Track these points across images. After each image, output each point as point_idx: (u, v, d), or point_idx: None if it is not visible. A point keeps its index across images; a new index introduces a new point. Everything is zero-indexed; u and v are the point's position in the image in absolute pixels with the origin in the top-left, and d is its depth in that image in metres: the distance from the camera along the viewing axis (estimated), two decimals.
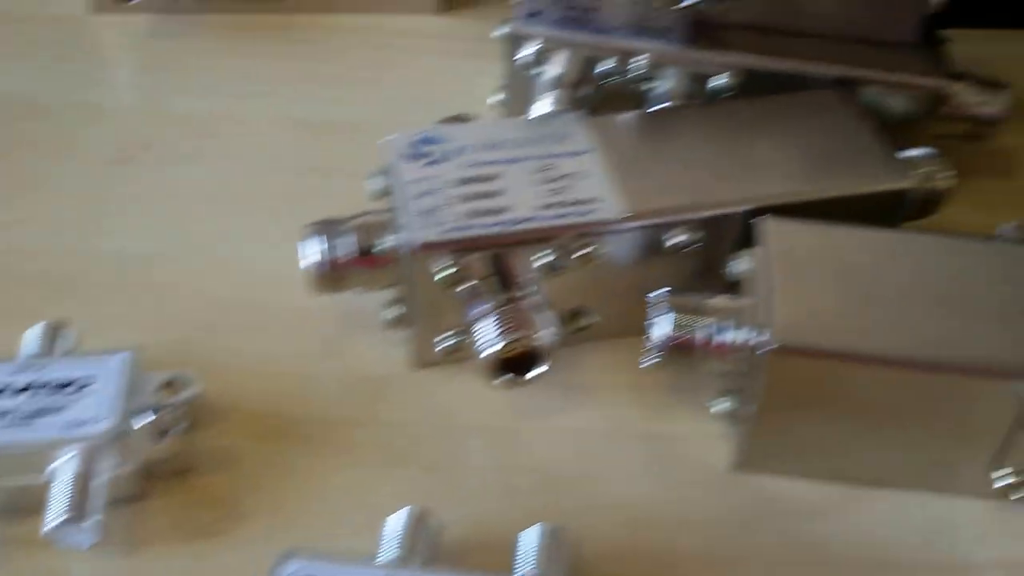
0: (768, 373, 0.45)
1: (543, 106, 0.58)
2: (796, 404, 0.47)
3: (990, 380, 0.45)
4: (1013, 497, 0.48)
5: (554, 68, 0.59)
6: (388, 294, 0.54)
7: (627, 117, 0.58)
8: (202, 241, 0.60)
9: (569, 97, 0.58)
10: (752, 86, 0.59)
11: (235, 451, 0.50)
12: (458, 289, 0.50)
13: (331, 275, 0.52)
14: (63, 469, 0.45)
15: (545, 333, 0.48)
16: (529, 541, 0.44)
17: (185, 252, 0.60)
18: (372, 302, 0.54)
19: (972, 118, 0.61)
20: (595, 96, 0.60)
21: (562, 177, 0.52)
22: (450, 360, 0.53)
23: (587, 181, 0.52)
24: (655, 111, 0.58)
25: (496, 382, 0.49)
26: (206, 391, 0.50)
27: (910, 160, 0.55)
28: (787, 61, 0.59)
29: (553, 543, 0.44)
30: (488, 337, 0.48)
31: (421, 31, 0.77)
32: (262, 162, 0.66)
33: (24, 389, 0.47)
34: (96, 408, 0.46)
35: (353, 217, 0.52)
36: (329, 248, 0.51)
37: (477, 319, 0.49)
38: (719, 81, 0.59)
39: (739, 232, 0.51)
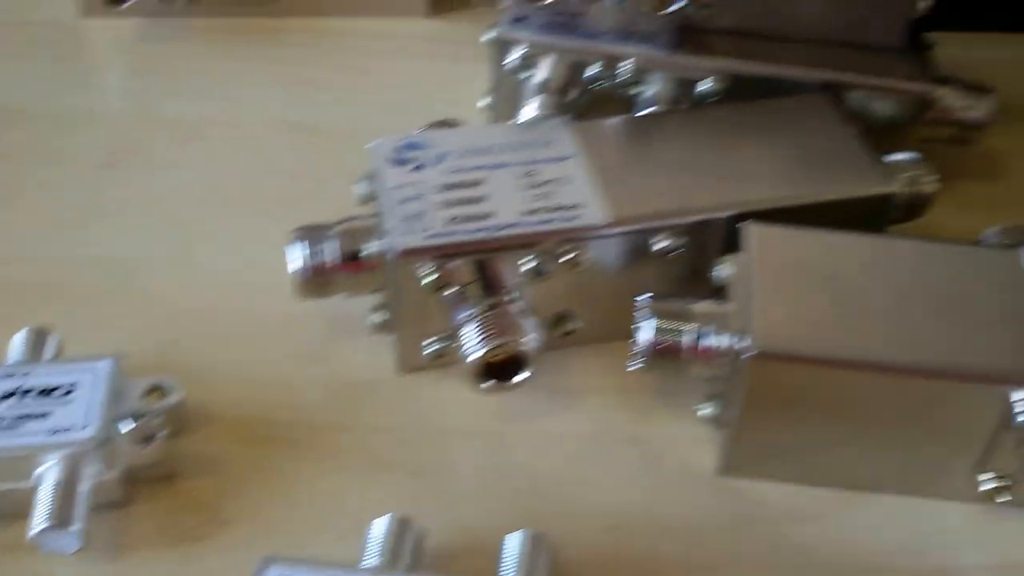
0: (749, 379, 0.45)
1: (530, 111, 0.58)
2: (778, 409, 0.47)
3: (973, 385, 0.45)
4: (999, 500, 0.48)
5: (541, 73, 0.59)
6: (374, 299, 0.54)
7: (612, 122, 0.58)
8: (188, 246, 0.60)
9: (556, 102, 0.58)
10: (738, 91, 0.59)
11: (220, 456, 0.50)
12: (443, 294, 0.50)
13: (316, 280, 0.52)
14: (47, 475, 0.45)
15: (529, 338, 0.48)
16: (512, 548, 0.44)
17: (171, 257, 0.60)
18: (358, 307, 0.54)
19: (957, 122, 0.61)
20: (583, 101, 0.60)
21: (546, 183, 0.52)
22: (436, 365, 0.53)
23: (571, 186, 0.52)
24: (640, 116, 0.58)
25: (481, 387, 0.49)
26: (191, 396, 0.50)
27: (895, 164, 0.55)
28: (772, 66, 0.59)
29: (535, 549, 0.44)
30: (472, 343, 0.48)
31: (411, 34, 0.77)
32: (250, 166, 0.66)
33: (9, 395, 0.47)
34: (80, 414, 0.46)
35: (338, 222, 0.52)
36: (314, 253, 0.52)
37: (462, 324, 0.49)
38: (705, 86, 0.59)
39: (724, 237, 0.52)
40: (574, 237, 0.51)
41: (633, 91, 0.60)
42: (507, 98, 0.62)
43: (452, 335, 0.50)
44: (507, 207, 0.51)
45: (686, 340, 0.49)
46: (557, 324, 0.53)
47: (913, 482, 0.49)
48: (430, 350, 0.52)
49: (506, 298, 0.49)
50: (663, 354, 0.49)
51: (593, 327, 0.54)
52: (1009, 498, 0.47)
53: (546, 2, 0.57)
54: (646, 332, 0.49)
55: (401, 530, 0.44)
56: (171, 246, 0.60)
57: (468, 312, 0.49)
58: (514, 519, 0.46)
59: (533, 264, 0.50)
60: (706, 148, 0.56)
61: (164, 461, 0.48)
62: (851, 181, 0.54)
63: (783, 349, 0.45)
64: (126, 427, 0.47)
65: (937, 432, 0.47)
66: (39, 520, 0.44)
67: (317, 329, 0.56)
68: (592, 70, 0.60)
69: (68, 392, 0.47)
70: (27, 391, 0.47)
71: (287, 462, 0.50)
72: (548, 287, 0.51)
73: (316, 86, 0.72)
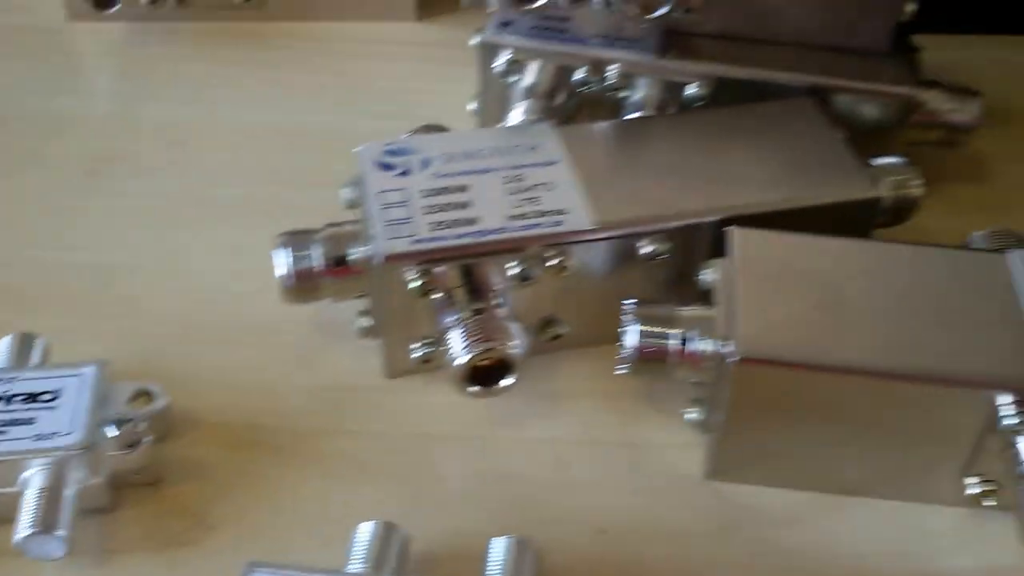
0: (733, 383, 0.45)
1: (517, 115, 0.58)
2: (764, 414, 0.47)
3: (958, 389, 0.45)
4: (985, 504, 0.48)
5: (528, 77, 0.59)
6: (360, 303, 0.54)
7: (599, 127, 0.58)
8: (175, 250, 0.60)
9: (543, 106, 0.58)
10: (724, 95, 0.59)
11: (206, 462, 0.50)
12: (429, 299, 0.50)
13: (302, 285, 0.52)
14: (33, 480, 0.45)
15: (515, 343, 0.48)
16: (497, 552, 0.44)
17: (157, 262, 0.60)
18: (344, 312, 0.54)
19: (944, 125, 0.61)
20: (570, 105, 0.60)
21: (532, 187, 0.52)
22: (423, 370, 0.53)
23: (557, 191, 0.52)
24: (626, 120, 0.58)
25: (467, 392, 0.49)
26: (177, 401, 0.50)
27: (881, 168, 0.55)
28: (759, 70, 0.59)
29: (520, 554, 0.44)
30: (458, 347, 0.48)
31: (399, 38, 0.77)
32: (236, 171, 0.66)
33: None
34: (65, 420, 0.46)
35: (324, 227, 0.53)
36: (299, 259, 0.52)
37: (448, 329, 0.49)
38: (692, 90, 0.59)
39: (711, 241, 0.52)
40: (560, 242, 0.51)
41: (620, 95, 0.60)
42: (494, 102, 0.62)
43: (438, 340, 0.50)
44: (493, 212, 0.51)
45: (672, 345, 0.49)
46: (544, 328, 0.53)
47: (899, 486, 0.49)
48: (416, 355, 0.52)
49: (492, 303, 0.49)
50: (649, 359, 0.49)
51: (580, 331, 0.54)
52: (995, 502, 0.47)
53: (533, 6, 0.57)
54: (632, 337, 0.49)
55: (386, 535, 0.44)
56: (157, 251, 0.60)
57: (454, 317, 0.49)
58: (500, 524, 0.46)
59: (519, 269, 0.50)
60: (693, 152, 0.56)
61: (149, 466, 0.48)
62: (837, 185, 0.54)
63: (767, 354, 0.45)
64: (111, 433, 0.47)
65: (923, 436, 0.47)
66: (24, 525, 0.44)
67: (303, 334, 0.56)
68: (579, 74, 0.60)
69: (53, 398, 0.47)
70: (12, 397, 0.47)
71: (273, 467, 0.50)
72: (535, 291, 0.51)
73: (303, 90, 0.72)
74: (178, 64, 0.74)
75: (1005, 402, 0.44)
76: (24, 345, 0.51)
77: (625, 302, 0.50)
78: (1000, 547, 0.48)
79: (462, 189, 0.52)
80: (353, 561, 0.43)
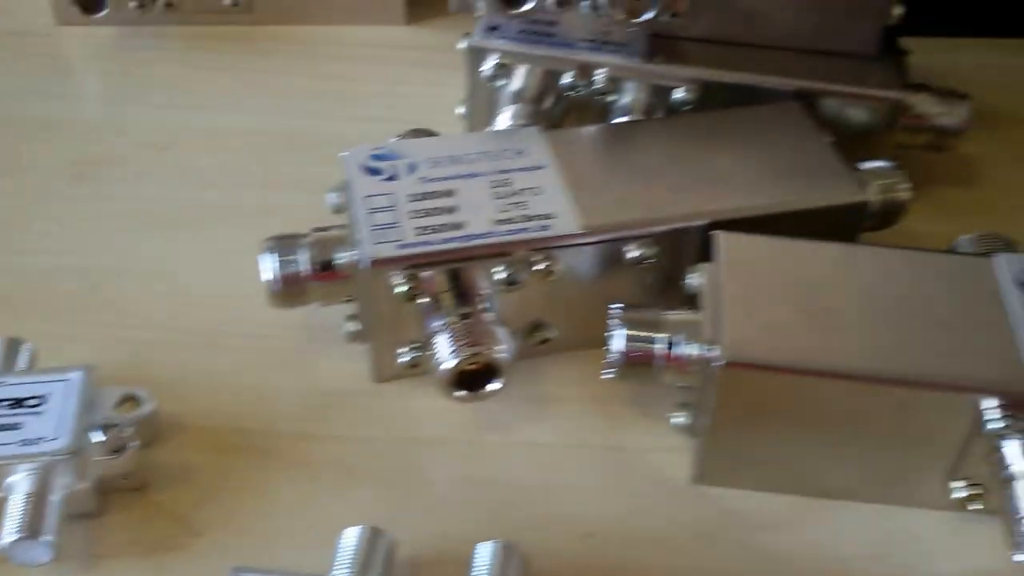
0: (719, 388, 0.45)
1: (504, 119, 0.58)
2: (750, 418, 0.47)
3: (944, 393, 0.45)
4: (970, 508, 0.48)
5: (515, 81, 0.59)
6: (348, 307, 0.54)
7: (585, 131, 0.58)
8: (161, 255, 0.60)
9: (530, 111, 0.58)
10: (711, 99, 0.59)
11: (193, 466, 0.50)
12: (416, 303, 0.50)
13: (289, 290, 0.52)
14: (19, 486, 0.45)
15: (502, 347, 0.48)
16: (483, 557, 0.44)
17: (144, 266, 0.60)
18: (332, 316, 0.54)
19: (933, 129, 0.61)
20: (558, 109, 0.60)
21: (519, 192, 0.52)
22: (410, 374, 0.53)
23: (544, 196, 0.52)
24: (614, 125, 0.59)
25: (454, 397, 0.49)
26: (164, 406, 0.50)
27: (869, 172, 0.55)
28: (746, 74, 0.59)
29: (507, 559, 0.44)
30: (445, 352, 0.48)
31: (388, 42, 0.77)
32: (224, 175, 0.66)
33: None
34: (52, 425, 0.46)
35: (311, 232, 0.52)
36: (285, 263, 0.52)
37: (435, 333, 0.49)
38: (679, 94, 0.59)
39: (698, 246, 0.52)
40: (547, 247, 0.51)
41: (608, 99, 0.60)
42: (483, 106, 0.62)
43: (426, 344, 0.50)
44: (480, 217, 0.51)
45: (658, 349, 0.49)
46: (531, 333, 0.54)
47: (885, 490, 0.49)
48: (404, 359, 0.52)
49: (479, 308, 0.49)
50: (635, 363, 0.49)
51: (567, 335, 0.54)
52: (981, 506, 0.48)
53: (520, 11, 0.57)
54: (618, 341, 0.49)
55: (372, 540, 0.44)
56: (144, 255, 0.60)
57: (441, 321, 0.49)
58: (487, 528, 0.46)
59: (506, 274, 0.50)
60: (680, 157, 0.56)
61: (136, 471, 0.48)
62: (825, 190, 0.54)
63: (753, 358, 0.45)
64: (98, 438, 0.47)
65: (909, 440, 0.47)
66: (10, 531, 0.44)
67: (290, 338, 0.56)
68: (566, 79, 0.60)
69: (40, 403, 0.47)
70: None
71: (259, 472, 0.50)
72: (522, 296, 0.51)
73: (292, 94, 0.72)
74: (166, 68, 0.74)
75: (990, 406, 0.45)
76: (10, 350, 0.51)
77: (612, 306, 0.50)
78: (986, 551, 0.48)
79: (449, 194, 0.52)
80: (338, 566, 0.43)
